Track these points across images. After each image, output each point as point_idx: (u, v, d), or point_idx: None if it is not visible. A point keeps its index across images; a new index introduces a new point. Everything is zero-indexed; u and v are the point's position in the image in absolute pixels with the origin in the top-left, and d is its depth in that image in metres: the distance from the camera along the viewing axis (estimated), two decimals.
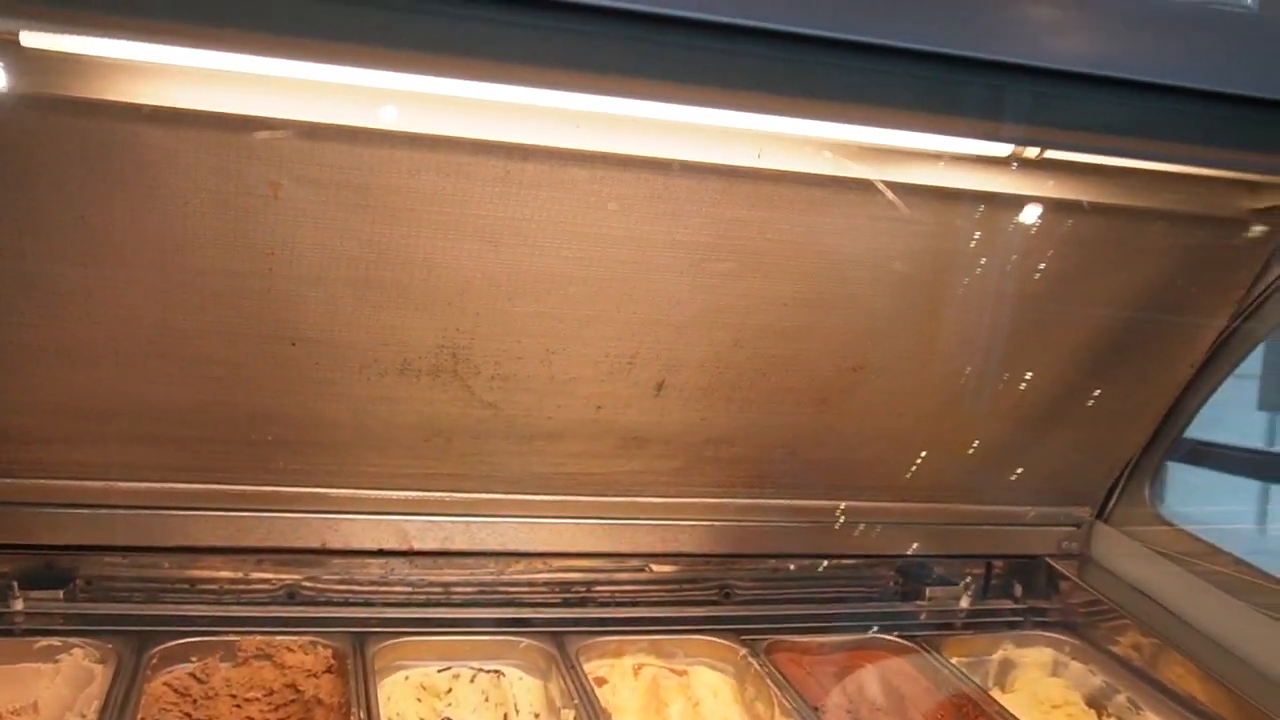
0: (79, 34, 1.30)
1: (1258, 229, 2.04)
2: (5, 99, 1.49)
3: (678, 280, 1.90)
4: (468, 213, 1.73)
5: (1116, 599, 2.32)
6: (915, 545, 2.43)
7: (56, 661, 1.87)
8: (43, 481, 1.96)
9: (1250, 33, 1.49)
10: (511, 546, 2.20)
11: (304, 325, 1.82)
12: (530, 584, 2.24)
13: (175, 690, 1.87)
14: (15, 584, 1.95)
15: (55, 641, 1.89)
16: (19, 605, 1.94)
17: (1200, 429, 2.45)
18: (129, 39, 1.30)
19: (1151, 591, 2.30)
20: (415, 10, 1.23)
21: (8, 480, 1.94)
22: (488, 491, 2.14)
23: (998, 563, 2.51)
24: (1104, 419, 2.34)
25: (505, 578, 2.22)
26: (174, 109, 1.53)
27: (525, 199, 1.74)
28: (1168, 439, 2.40)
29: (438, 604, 2.18)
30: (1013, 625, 2.40)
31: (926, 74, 1.40)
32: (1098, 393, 2.29)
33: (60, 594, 1.98)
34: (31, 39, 1.34)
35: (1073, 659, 2.29)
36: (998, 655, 2.31)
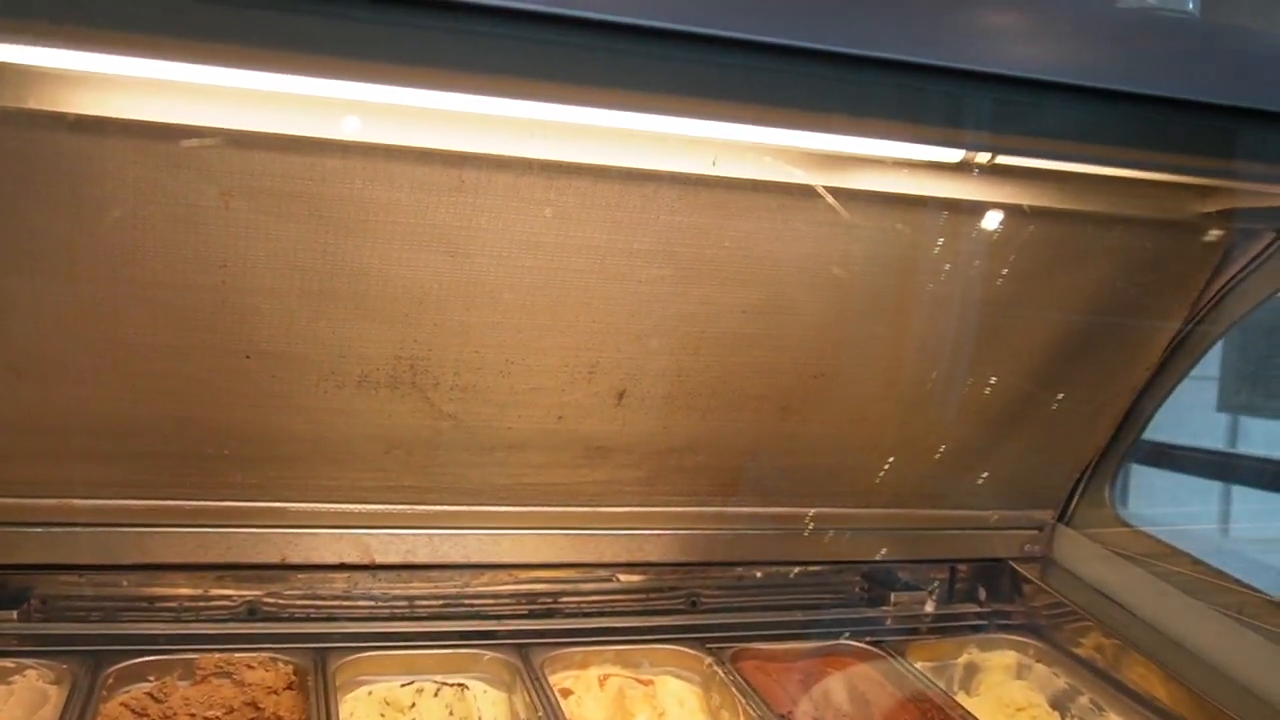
0: (17, 43, 1.28)
1: (1210, 233, 2.06)
2: None
3: (636, 289, 1.90)
4: (423, 223, 1.72)
5: (1079, 601, 2.33)
6: (881, 551, 2.44)
7: (9, 683, 1.84)
8: None
9: (1193, 38, 1.51)
10: (475, 559, 2.18)
11: (259, 338, 1.80)
12: (495, 596, 2.22)
13: (132, 710, 1.83)
14: None
15: (8, 663, 1.86)
16: None
17: (1161, 431, 2.48)
18: (69, 48, 1.28)
19: (1113, 593, 2.31)
20: (366, 19, 1.22)
21: None
22: (450, 504, 2.13)
23: (962, 567, 2.52)
24: (1063, 422, 2.36)
25: (470, 590, 2.21)
26: (119, 119, 1.51)
27: (481, 208, 1.73)
28: (1127, 441, 2.41)
29: (401, 618, 2.16)
30: (977, 629, 2.40)
31: (879, 81, 1.40)
32: (1057, 396, 2.31)
33: (14, 614, 1.94)
34: None
35: (1036, 661, 2.30)
36: (962, 659, 2.31)
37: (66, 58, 1.36)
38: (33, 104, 1.49)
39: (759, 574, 2.40)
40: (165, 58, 1.30)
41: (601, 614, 2.27)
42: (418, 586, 2.18)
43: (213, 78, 1.45)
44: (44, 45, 1.27)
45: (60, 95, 1.49)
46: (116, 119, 1.52)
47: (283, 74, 1.38)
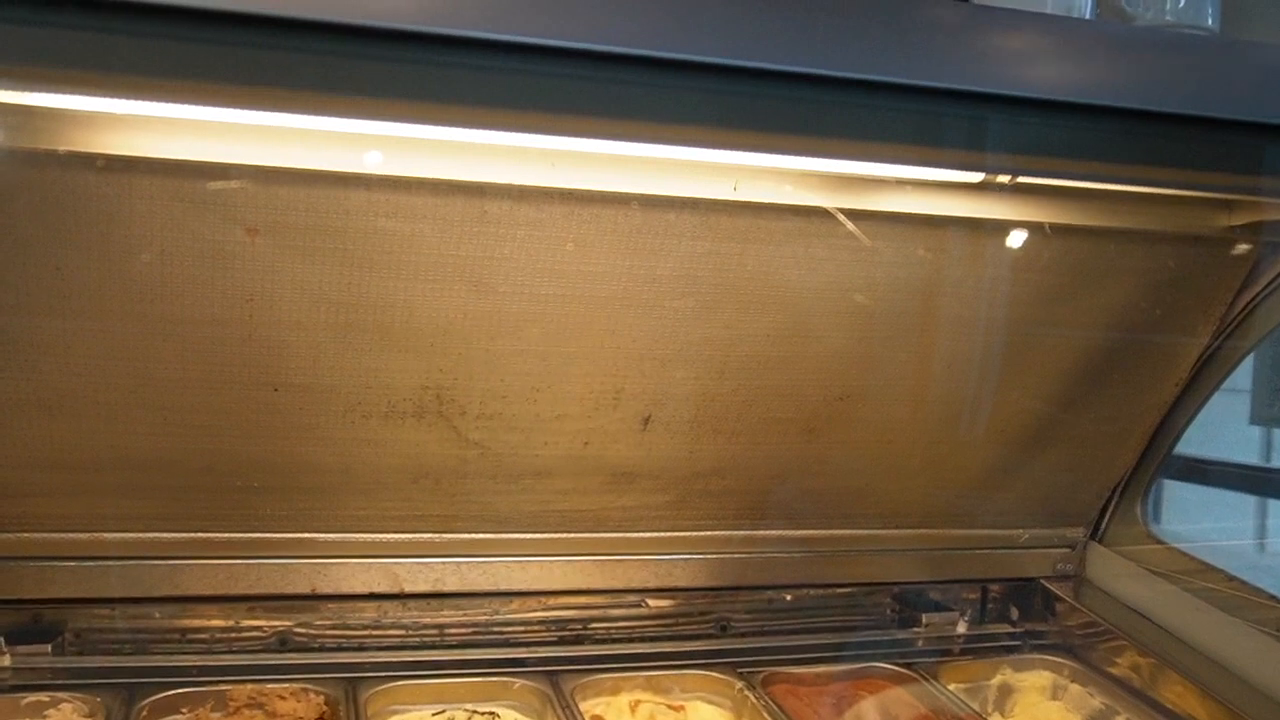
0: (44, 90, 1.30)
1: (1236, 246, 2.05)
2: None
3: (660, 314, 1.90)
4: (446, 254, 1.73)
5: (1113, 619, 2.31)
6: (910, 572, 2.42)
7: (45, 717, 1.85)
8: (28, 535, 1.94)
9: (1213, 55, 1.50)
10: (504, 586, 2.18)
11: (286, 371, 1.82)
12: (525, 623, 2.22)
13: None
14: (2, 639, 1.93)
15: (43, 697, 1.87)
16: (6, 661, 1.92)
17: (1193, 446, 2.45)
18: (98, 95, 1.30)
19: (1148, 611, 2.29)
20: (389, 58, 1.23)
21: None
22: (478, 531, 2.13)
23: (993, 586, 2.50)
24: (1093, 439, 2.34)
25: (499, 618, 2.21)
26: (145, 158, 1.53)
27: (504, 238, 1.74)
28: (1158, 457, 2.39)
29: (431, 646, 2.16)
30: (1010, 649, 2.38)
31: (900, 105, 1.41)
32: (1086, 413, 2.29)
33: (48, 648, 1.96)
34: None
35: (1071, 681, 2.28)
36: (996, 680, 2.29)
37: (94, 102, 1.38)
38: (61, 145, 1.51)
39: (788, 597, 2.39)
40: (192, 101, 1.32)
41: (631, 640, 2.27)
42: (446, 615, 2.18)
43: (238, 117, 1.47)
44: (74, 92, 1.29)
45: (88, 137, 1.50)
46: (143, 158, 1.54)
47: (306, 114, 1.40)
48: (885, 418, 2.16)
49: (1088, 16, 1.69)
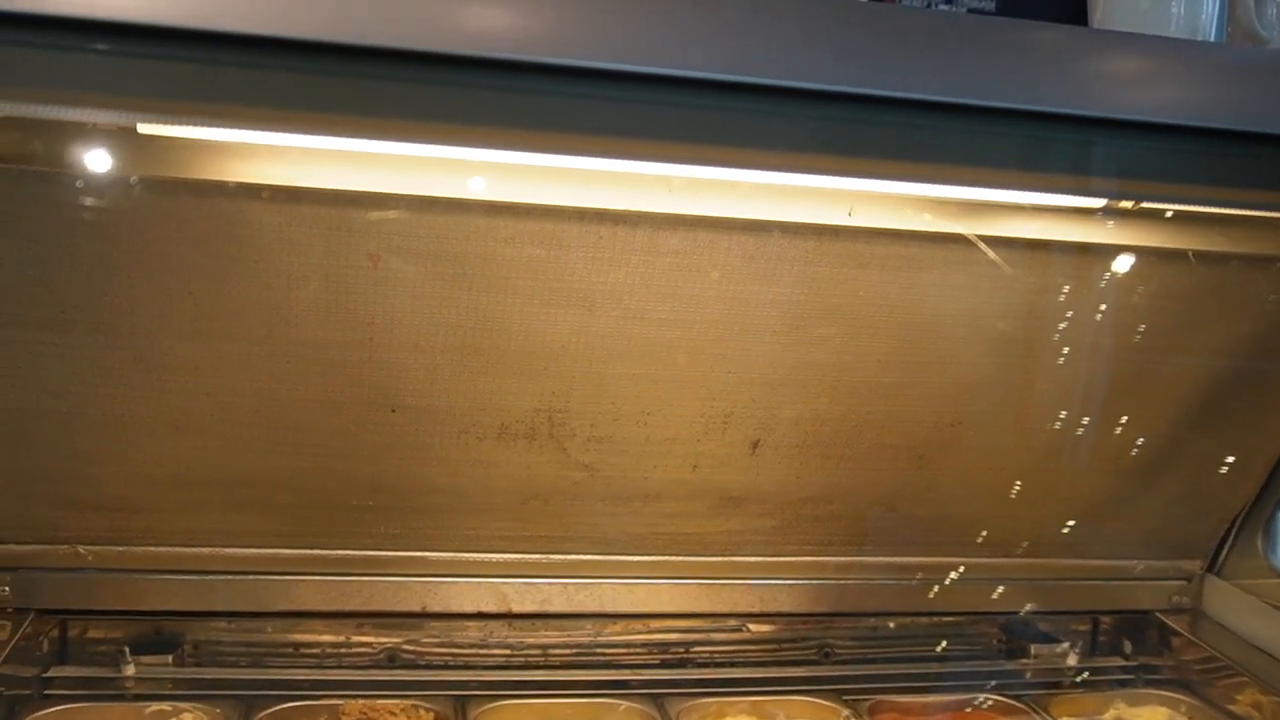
0: (193, 124, 1.35)
1: None
2: (120, 182, 1.56)
3: (771, 339, 1.90)
4: (563, 279, 1.76)
5: (1233, 655, 2.24)
6: (1019, 602, 2.37)
7: None
8: (151, 549, 2.00)
9: None
10: (609, 608, 2.19)
11: (404, 392, 1.85)
12: (628, 645, 2.23)
13: None
14: (126, 649, 1.99)
15: (166, 706, 1.92)
16: (130, 670, 1.98)
17: None
18: (244, 127, 1.35)
19: (1269, 647, 2.21)
20: (515, 89, 1.25)
21: (119, 548, 1.99)
22: (585, 553, 2.14)
23: (1105, 618, 2.44)
24: (1211, 470, 2.28)
25: (603, 639, 2.22)
26: (280, 186, 1.58)
27: (620, 264, 1.75)
28: (1279, 489, 2.32)
29: (536, 666, 2.18)
30: (1124, 683, 2.32)
31: (1016, 131, 1.39)
32: (1204, 442, 2.23)
33: (169, 659, 2.02)
34: (148, 127, 1.39)
35: (1189, 718, 2.21)
36: (1109, 715, 2.23)
37: (228, 133, 1.43)
38: (195, 174, 1.56)
39: (892, 625, 2.36)
40: (316, 131, 1.36)
41: (734, 664, 2.26)
42: (550, 635, 2.20)
43: (361, 146, 1.51)
44: (211, 125, 1.34)
45: (222, 165, 1.56)
46: (274, 185, 1.59)
47: (426, 143, 1.43)
48: (997, 445, 2.13)
49: (1212, 39, 1.66)
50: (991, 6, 1.73)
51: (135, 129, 1.42)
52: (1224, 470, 2.29)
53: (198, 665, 2.07)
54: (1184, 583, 2.43)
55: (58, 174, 1.56)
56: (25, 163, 1.53)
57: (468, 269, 1.72)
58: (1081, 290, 1.97)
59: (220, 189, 1.59)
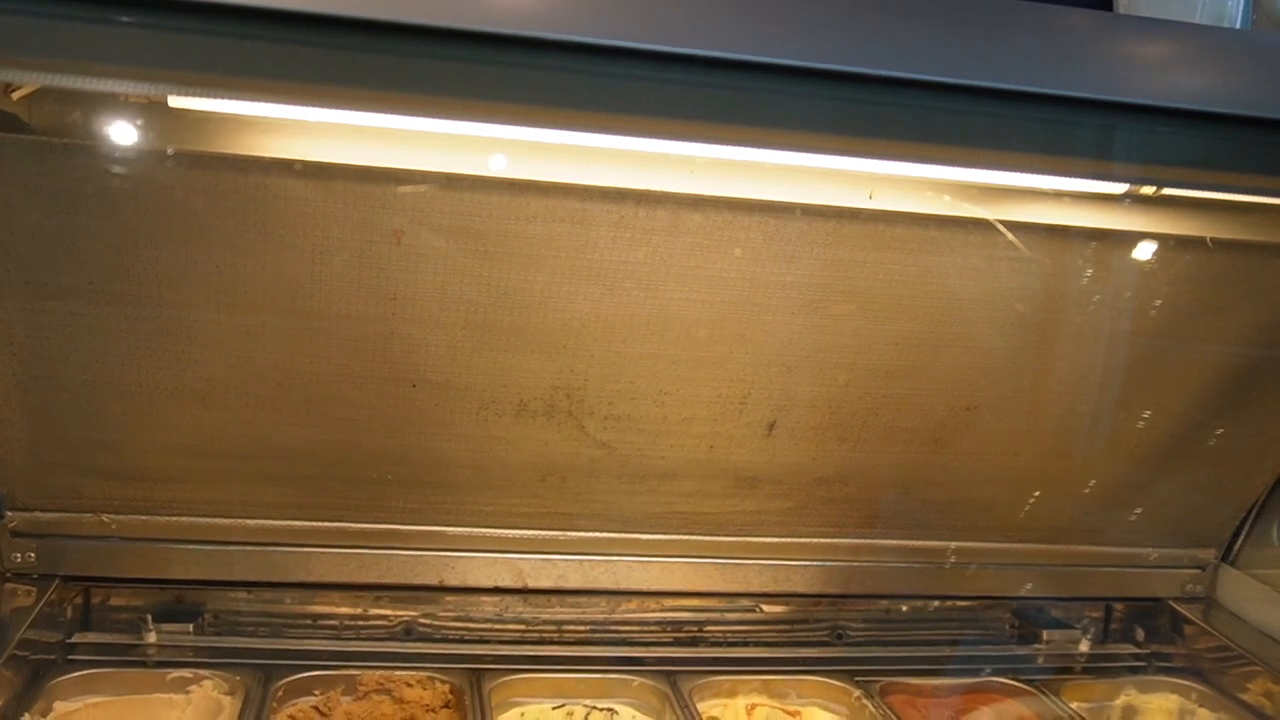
0: (223, 97, 1.36)
1: None
2: (150, 156, 1.58)
3: (789, 321, 1.91)
4: (584, 257, 1.77)
5: (1245, 644, 2.25)
6: (1031, 587, 2.38)
7: (188, 693, 1.94)
8: (175, 519, 2.03)
9: None
10: (624, 585, 2.21)
11: (424, 368, 1.87)
12: (642, 623, 2.25)
13: None
14: (149, 617, 2.02)
15: (186, 673, 1.96)
16: (152, 638, 2.01)
17: None
18: (273, 101, 1.36)
19: None
20: (543, 66, 1.26)
21: (142, 517, 2.02)
22: (601, 530, 2.16)
23: (1118, 605, 2.45)
24: (1228, 459, 2.28)
25: (617, 616, 2.24)
26: (309, 162, 1.60)
27: (640, 243, 1.77)
28: None
29: (551, 641, 2.20)
30: (1135, 670, 2.33)
31: (1039, 115, 1.39)
32: (1220, 432, 2.23)
33: (190, 627, 2.04)
34: (179, 101, 1.41)
35: (1200, 706, 2.22)
36: (1120, 701, 2.25)
37: (259, 108, 1.45)
38: (223, 149, 1.58)
39: (905, 607, 2.37)
40: (345, 107, 1.37)
41: (746, 643, 2.28)
42: (564, 611, 2.22)
43: (388, 122, 1.53)
44: (247, 99, 1.35)
45: (250, 140, 1.58)
46: (301, 160, 1.60)
47: (452, 119, 1.44)
48: (1012, 429, 2.14)
49: (1238, 25, 1.66)
50: None
51: (166, 103, 1.44)
52: (1240, 460, 2.29)
53: (218, 634, 2.10)
54: (1198, 571, 2.43)
55: (88, 147, 1.58)
56: (56, 135, 1.55)
57: (490, 246, 1.74)
58: (1100, 276, 1.97)
59: (248, 164, 1.61)
